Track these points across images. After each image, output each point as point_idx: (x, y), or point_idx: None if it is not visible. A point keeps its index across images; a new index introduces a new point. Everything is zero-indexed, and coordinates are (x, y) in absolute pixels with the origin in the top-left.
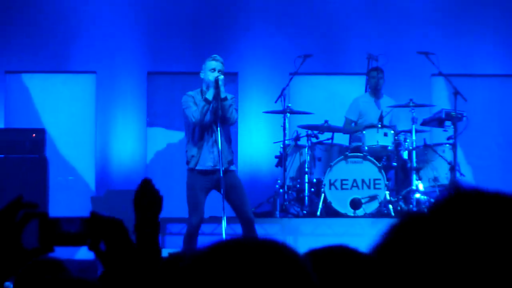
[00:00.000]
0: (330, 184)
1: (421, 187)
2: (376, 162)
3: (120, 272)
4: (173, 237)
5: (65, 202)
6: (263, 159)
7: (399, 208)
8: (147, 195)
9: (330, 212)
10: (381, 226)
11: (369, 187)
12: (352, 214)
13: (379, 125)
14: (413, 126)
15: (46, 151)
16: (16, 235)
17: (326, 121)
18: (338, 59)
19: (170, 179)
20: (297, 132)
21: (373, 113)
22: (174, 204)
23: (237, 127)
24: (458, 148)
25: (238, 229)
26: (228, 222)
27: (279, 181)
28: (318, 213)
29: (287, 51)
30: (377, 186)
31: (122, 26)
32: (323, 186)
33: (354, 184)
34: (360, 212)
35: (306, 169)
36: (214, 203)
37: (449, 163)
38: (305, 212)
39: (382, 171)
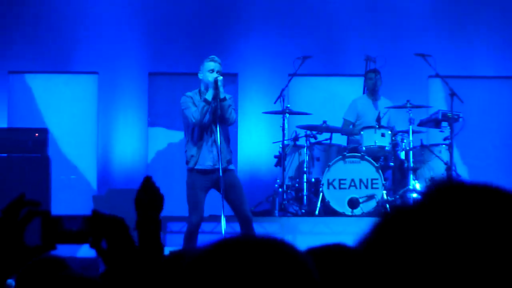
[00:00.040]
0: (329, 184)
1: (418, 186)
2: (374, 162)
3: (121, 270)
4: (174, 236)
5: (67, 201)
6: (263, 158)
7: None
8: (148, 193)
9: (328, 211)
10: None
11: (366, 186)
12: (350, 213)
13: (377, 126)
14: (410, 127)
15: (48, 150)
16: (18, 233)
17: (324, 122)
18: (337, 61)
19: (170, 178)
20: (296, 132)
21: (371, 114)
22: (174, 203)
23: (237, 127)
24: (454, 149)
25: (237, 228)
26: (227, 221)
27: (278, 180)
28: (317, 212)
29: (286, 53)
30: (374, 185)
31: (124, 28)
32: (321, 185)
33: (352, 184)
34: (357, 211)
35: (305, 169)
36: (213, 202)
37: (446, 163)
38: (303, 211)
39: (380, 171)
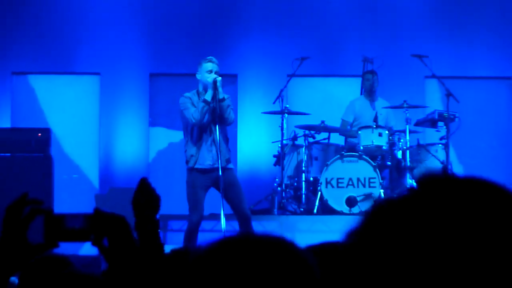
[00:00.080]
0: (327, 183)
1: None
2: (371, 161)
3: (123, 268)
4: (174, 234)
5: (70, 199)
6: (262, 158)
7: None
8: (145, 194)
9: (326, 209)
10: None
11: (364, 185)
12: (347, 212)
13: (374, 126)
14: (407, 127)
15: (51, 150)
16: (21, 231)
17: (322, 122)
18: (334, 62)
19: (171, 177)
20: (294, 132)
21: (368, 115)
22: (175, 202)
23: (237, 127)
24: (450, 148)
25: (236, 226)
26: (226, 219)
27: (277, 179)
28: (315, 210)
29: (285, 54)
30: (372, 184)
31: (125, 30)
32: (319, 184)
33: (350, 183)
34: (355, 209)
35: (303, 168)
36: (213, 200)
37: (442, 163)
38: (302, 209)
39: (377, 170)
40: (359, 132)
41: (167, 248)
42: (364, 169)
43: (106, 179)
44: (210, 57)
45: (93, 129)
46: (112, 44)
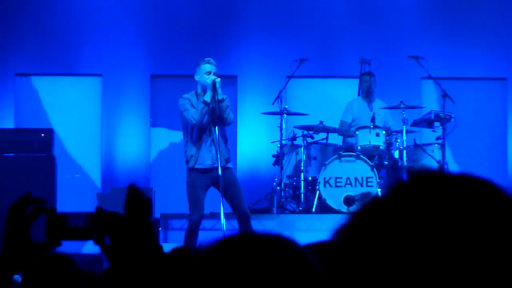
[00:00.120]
0: (325, 182)
1: None
2: (369, 161)
3: (124, 266)
4: (175, 232)
5: (72, 199)
6: (261, 158)
7: None
8: (135, 200)
9: (324, 208)
10: None
11: (361, 184)
12: (345, 211)
13: (371, 126)
14: (404, 127)
15: (54, 150)
16: (25, 230)
17: (321, 122)
18: (333, 63)
19: (172, 177)
20: (293, 132)
21: (366, 115)
22: (176, 201)
23: (236, 127)
24: (446, 148)
25: (236, 225)
26: (226, 218)
27: (276, 179)
28: (313, 209)
29: (284, 56)
30: (369, 184)
31: (126, 32)
32: (318, 183)
33: (348, 182)
34: (353, 208)
35: (302, 168)
36: (213, 199)
37: (438, 162)
38: (301, 208)
39: (374, 169)
40: (357, 132)
41: (169, 247)
42: (361, 169)
43: (108, 179)
44: (208, 58)
45: (95, 130)
46: (114, 46)
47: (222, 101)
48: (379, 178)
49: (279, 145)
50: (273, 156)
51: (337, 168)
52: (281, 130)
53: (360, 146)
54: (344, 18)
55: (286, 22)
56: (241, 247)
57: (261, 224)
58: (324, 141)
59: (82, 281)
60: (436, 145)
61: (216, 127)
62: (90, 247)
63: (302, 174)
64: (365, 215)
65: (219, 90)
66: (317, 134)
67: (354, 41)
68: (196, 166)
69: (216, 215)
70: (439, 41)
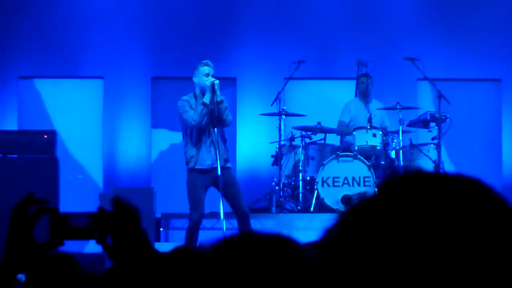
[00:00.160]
0: (323, 182)
1: None
2: (366, 161)
3: (126, 265)
4: (176, 232)
5: (75, 199)
6: (260, 158)
7: None
8: (123, 211)
9: (322, 208)
10: None
11: (359, 184)
12: (343, 210)
13: (368, 127)
14: (400, 127)
15: (57, 151)
16: (28, 229)
17: (319, 123)
18: (330, 65)
19: (173, 177)
20: (291, 133)
21: (363, 116)
22: (176, 201)
23: (236, 128)
24: (442, 148)
25: (236, 224)
26: (226, 217)
27: (275, 179)
28: (312, 208)
29: (282, 58)
30: (366, 183)
31: (128, 35)
32: (316, 183)
33: (345, 182)
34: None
35: (300, 168)
36: (213, 199)
37: (434, 162)
38: (299, 208)
39: (371, 169)
40: (354, 133)
41: (170, 246)
42: (359, 169)
43: (110, 179)
44: (206, 60)
45: (97, 131)
46: (115, 49)
47: (221, 102)
48: (376, 178)
49: (277, 146)
50: (272, 156)
51: (334, 168)
52: (279, 131)
53: (357, 146)
54: (341, 21)
55: (284, 25)
56: (241, 247)
57: (260, 223)
58: (322, 141)
59: (83, 281)
60: (432, 145)
61: (215, 128)
62: (92, 247)
63: (300, 174)
64: (354, 214)
65: (218, 92)
66: (315, 134)
67: (351, 44)
68: (196, 167)
69: (216, 215)
70: (435, 43)
